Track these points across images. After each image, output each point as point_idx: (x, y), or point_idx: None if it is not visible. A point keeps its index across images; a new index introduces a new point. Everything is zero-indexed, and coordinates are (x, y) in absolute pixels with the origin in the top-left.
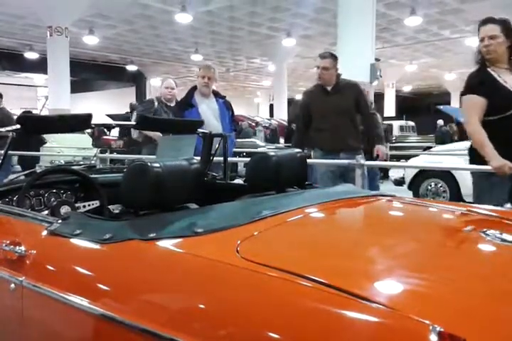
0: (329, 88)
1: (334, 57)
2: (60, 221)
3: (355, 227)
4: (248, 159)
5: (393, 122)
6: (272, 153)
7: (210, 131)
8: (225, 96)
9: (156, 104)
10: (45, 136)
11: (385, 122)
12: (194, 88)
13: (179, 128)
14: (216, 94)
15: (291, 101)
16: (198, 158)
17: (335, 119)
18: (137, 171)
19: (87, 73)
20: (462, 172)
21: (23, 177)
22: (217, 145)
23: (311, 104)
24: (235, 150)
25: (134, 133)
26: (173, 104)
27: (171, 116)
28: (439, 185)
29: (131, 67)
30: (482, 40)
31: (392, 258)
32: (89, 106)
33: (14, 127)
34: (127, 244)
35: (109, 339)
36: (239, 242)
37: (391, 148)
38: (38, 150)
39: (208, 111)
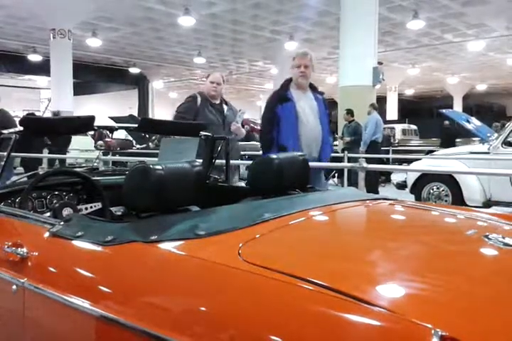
0: None
1: None
2: (62, 223)
3: (357, 230)
4: (250, 162)
5: (395, 126)
6: (274, 156)
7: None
8: (323, 93)
9: (199, 100)
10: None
11: (387, 126)
12: (290, 80)
13: (182, 132)
14: (313, 89)
15: None
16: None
17: None
18: (139, 173)
19: (90, 75)
20: (464, 176)
21: (25, 179)
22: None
23: None
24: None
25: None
26: (217, 102)
27: (216, 115)
28: (441, 188)
29: (133, 70)
30: None
31: (394, 262)
32: (92, 108)
33: (17, 129)
34: (129, 246)
35: None
36: (241, 245)
37: (393, 152)
38: (41, 152)
39: (307, 108)
